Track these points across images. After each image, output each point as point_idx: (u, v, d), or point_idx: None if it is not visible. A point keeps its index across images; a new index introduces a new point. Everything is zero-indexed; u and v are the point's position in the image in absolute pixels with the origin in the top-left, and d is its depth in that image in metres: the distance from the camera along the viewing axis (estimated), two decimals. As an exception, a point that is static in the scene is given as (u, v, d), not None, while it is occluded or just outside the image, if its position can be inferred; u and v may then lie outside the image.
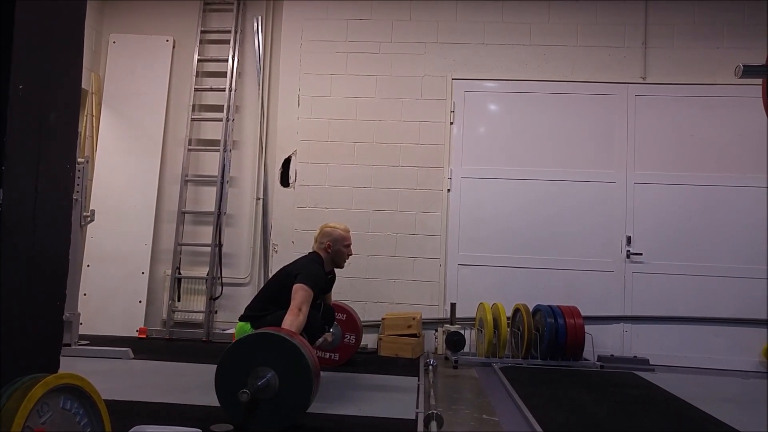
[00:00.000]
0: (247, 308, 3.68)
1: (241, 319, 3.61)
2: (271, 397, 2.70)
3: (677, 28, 5.26)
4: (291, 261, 3.77)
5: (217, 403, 3.15)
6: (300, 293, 3.26)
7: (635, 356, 4.94)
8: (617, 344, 5.08)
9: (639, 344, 5.07)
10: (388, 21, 5.47)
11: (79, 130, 3.61)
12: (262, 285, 5.05)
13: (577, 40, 5.33)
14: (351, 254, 3.79)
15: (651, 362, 4.84)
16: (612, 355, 4.93)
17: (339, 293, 5.21)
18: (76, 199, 4.24)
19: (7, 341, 1.69)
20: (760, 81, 2.98)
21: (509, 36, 5.38)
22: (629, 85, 5.26)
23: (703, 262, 5.07)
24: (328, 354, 4.36)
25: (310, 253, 3.74)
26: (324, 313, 3.78)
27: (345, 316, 4.44)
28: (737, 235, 5.05)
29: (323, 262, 3.67)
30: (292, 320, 3.11)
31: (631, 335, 5.10)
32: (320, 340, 3.91)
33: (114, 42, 5.71)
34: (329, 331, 3.83)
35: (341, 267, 3.80)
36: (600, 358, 4.81)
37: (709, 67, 5.18)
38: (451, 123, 5.37)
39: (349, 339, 4.41)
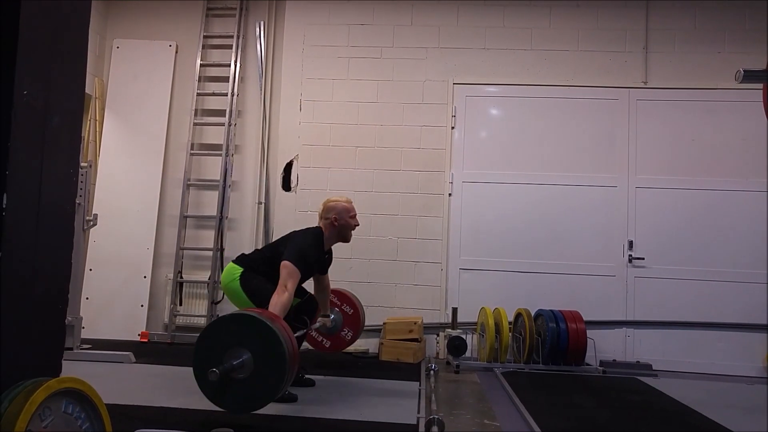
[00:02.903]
0: (245, 255, 3.74)
1: (235, 261, 3.65)
2: (245, 378, 2.72)
3: (678, 33, 5.27)
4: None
5: (219, 408, 3.15)
6: (284, 271, 3.30)
7: (638, 361, 4.93)
8: (619, 349, 5.06)
9: (641, 349, 5.05)
10: (390, 26, 5.48)
11: (82, 135, 3.62)
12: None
13: (579, 45, 5.34)
14: (357, 225, 3.77)
15: (654, 367, 4.84)
16: (614, 360, 4.92)
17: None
18: (79, 204, 4.26)
19: (10, 345, 1.70)
20: (761, 85, 2.99)
21: (510, 41, 5.39)
22: (630, 89, 5.27)
23: (706, 267, 5.05)
24: (321, 338, 4.36)
25: (315, 227, 3.69)
26: (306, 304, 3.78)
27: (352, 312, 4.40)
28: (740, 240, 5.04)
29: (325, 237, 3.66)
30: (277, 300, 3.17)
31: (633, 340, 5.09)
32: (317, 324, 3.96)
33: (117, 47, 5.74)
34: (311, 327, 3.86)
35: (348, 240, 3.76)
36: (602, 363, 4.80)
37: (711, 72, 5.18)
38: (453, 127, 5.38)
39: (346, 334, 4.37)
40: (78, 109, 2.05)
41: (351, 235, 3.76)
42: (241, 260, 3.66)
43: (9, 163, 1.68)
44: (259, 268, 3.57)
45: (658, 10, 5.28)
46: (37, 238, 1.82)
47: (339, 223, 3.65)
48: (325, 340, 4.38)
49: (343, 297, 4.40)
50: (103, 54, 5.77)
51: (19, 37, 1.70)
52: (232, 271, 3.56)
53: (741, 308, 4.98)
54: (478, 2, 5.43)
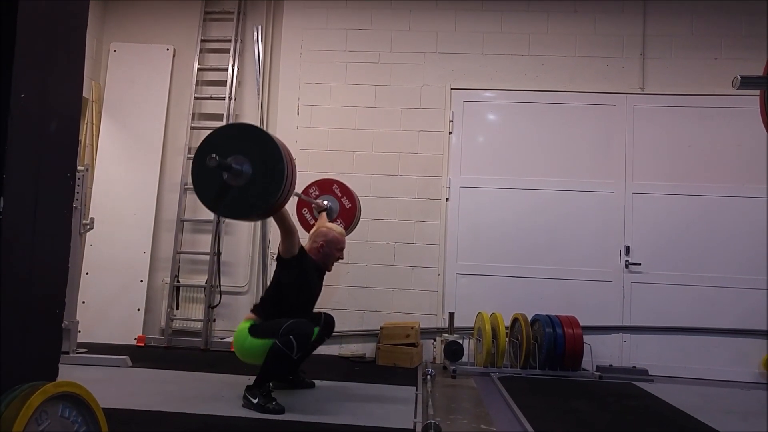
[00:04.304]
0: (261, 301, 3.71)
1: (252, 310, 3.60)
2: (242, 186, 2.78)
3: (675, 39, 5.29)
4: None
5: (215, 413, 3.15)
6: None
7: (634, 366, 4.93)
8: (616, 354, 5.07)
9: (638, 354, 5.06)
10: (388, 31, 5.50)
11: (79, 139, 3.61)
12: (260, 293, 5.07)
13: (576, 51, 5.36)
14: (342, 258, 3.78)
15: (650, 373, 4.83)
16: (611, 366, 4.92)
17: (337, 302, 5.22)
18: (76, 207, 4.25)
19: (7, 349, 1.69)
20: (757, 92, 3.00)
21: (508, 46, 5.41)
22: (627, 95, 5.29)
23: (702, 272, 5.06)
24: (311, 219, 4.42)
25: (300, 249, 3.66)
26: (325, 326, 3.78)
27: (350, 206, 4.40)
28: (736, 245, 5.05)
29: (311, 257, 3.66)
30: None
31: (630, 345, 5.09)
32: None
33: (115, 51, 5.74)
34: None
35: (329, 270, 3.79)
36: (599, 369, 4.80)
37: (707, 78, 5.20)
38: (450, 132, 5.38)
39: (339, 224, 4.35)
40: (75, 113, 2.04)
41: (333, 266, 3.78)
42: (254, 311, 3.57)
43: (6, 168, 1.67)
44: (272, 313, 3.47)
45: (656, 16, 5.31)
46: (34, 242, 1.81)
47: (323, 251, 3.67)
48: (313, 221, 4.36)
49: (345, 190, 4.41)
50: (100, 57, 5.77)
51: (16, 40, 1.70)
52: (242, 332, 3.41)
53: (737, 314, 4.99)
54: (476, 8, 5.45)
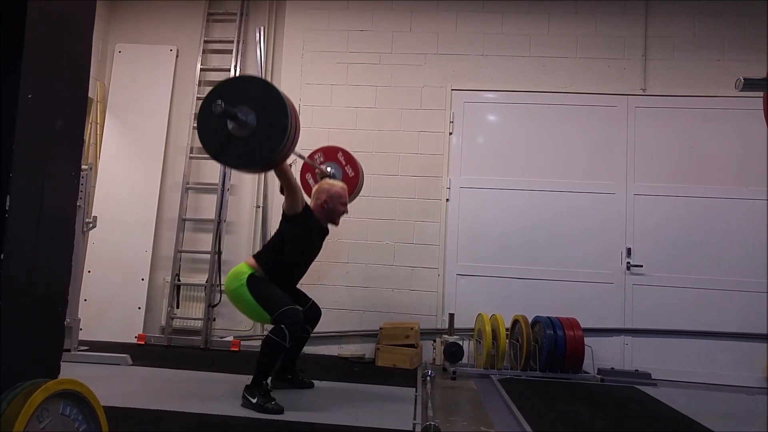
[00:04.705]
0: (258, 252, 3.77)
1: (254, 256, 3.66)
2: (246, 137, 2.84)
3: (677, 41, 5.29)
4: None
5: (214, 412, 3.16)
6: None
7: (636, 370, 4.91)
8: (617, 357, 5.05)
9: (640, 358, 5.04)
10: (389, 32, 5.51)
11: (83, 138, 3.62)
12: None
13: (577, 52, 5.37)
14: (346, 212, 3.80)
15: (653, 376, 4.81)
16: (612, 369, 4.90)
17: (336, 302, 5.23)
18: (79, 206, 4.25)
19: (9, 346, 1.70)
20: (760, 94, 3.00)
21: (509, 47, 5.41)
22: (629, 96, 5.29)
23: (705, 275, 5.04)
24: (313, 183, 4.44)
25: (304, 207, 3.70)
26: (310, 312, 3.80)
27: (352, 174, 4.41)
28: (739, 248, 5.03)
29: (316, 216, 3.70)
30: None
31: (631, 348, 5.08)
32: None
33: (119, 51, 5.75)
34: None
35: (336, 224, 3.81)
36: (600, 371, 4.78)
37: (710, 80, 5.20)
38: (450, 133, 5.39)
39: None
40: (80, 113, 2.05)
41: (339, 221, 3.80)
42: (255, 257, 3.64)
43: (12, 166, 1.69)
44: (269, 262, 3.56)
45: (658, 17, 5.31)
46: (38, 240, 1.82)
47: (327, 206, 3.69)
48: (315, 185, 4.28)
49: (349, 158, 4.43)
50: (105, 58, 5.78)
51: (24, 41, 1.72)
52: (239, 276, 3.51)
53: (741, 317, 4.95)
54: (477, 9, 5.46)
